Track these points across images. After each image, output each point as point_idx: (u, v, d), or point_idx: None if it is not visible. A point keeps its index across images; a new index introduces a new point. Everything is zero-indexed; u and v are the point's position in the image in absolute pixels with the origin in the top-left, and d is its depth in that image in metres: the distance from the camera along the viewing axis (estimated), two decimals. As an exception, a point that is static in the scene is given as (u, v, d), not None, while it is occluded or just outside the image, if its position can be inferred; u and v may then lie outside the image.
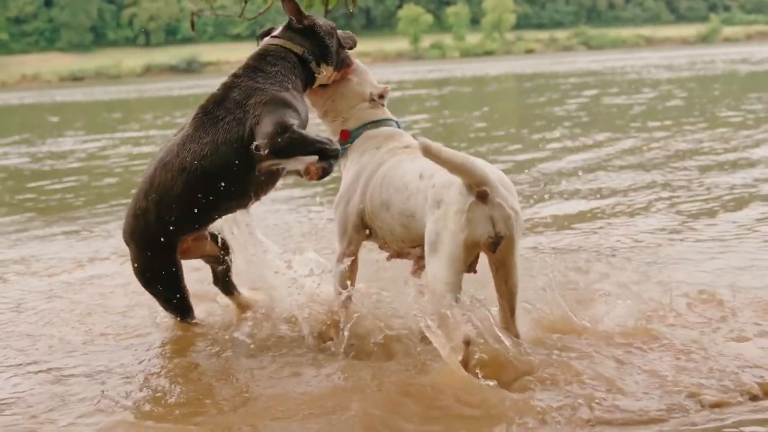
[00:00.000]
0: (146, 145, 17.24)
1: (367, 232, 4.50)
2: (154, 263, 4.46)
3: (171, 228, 4.33)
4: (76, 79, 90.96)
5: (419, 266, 4.53)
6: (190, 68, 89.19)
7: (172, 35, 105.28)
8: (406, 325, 4.33)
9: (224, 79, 4.45)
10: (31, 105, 45.00)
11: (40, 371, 4.39)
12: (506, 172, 4.14)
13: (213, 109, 4.30)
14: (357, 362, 4.18)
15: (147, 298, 4.85)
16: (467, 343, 3.77)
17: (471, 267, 4.02)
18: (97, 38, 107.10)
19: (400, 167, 4.29)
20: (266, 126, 4.10)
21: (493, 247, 3.84)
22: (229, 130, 4.21)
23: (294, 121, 4.15)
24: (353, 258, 4.50)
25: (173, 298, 4.59)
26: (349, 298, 4.49)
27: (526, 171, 10.31)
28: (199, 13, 6.94)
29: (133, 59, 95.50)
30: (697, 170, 9.78)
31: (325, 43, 4.52)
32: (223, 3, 7.67)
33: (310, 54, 4.48)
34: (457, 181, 3.85)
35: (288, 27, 4.56)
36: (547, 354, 4.05)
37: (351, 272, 4.51)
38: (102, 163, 14.59)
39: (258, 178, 4.31)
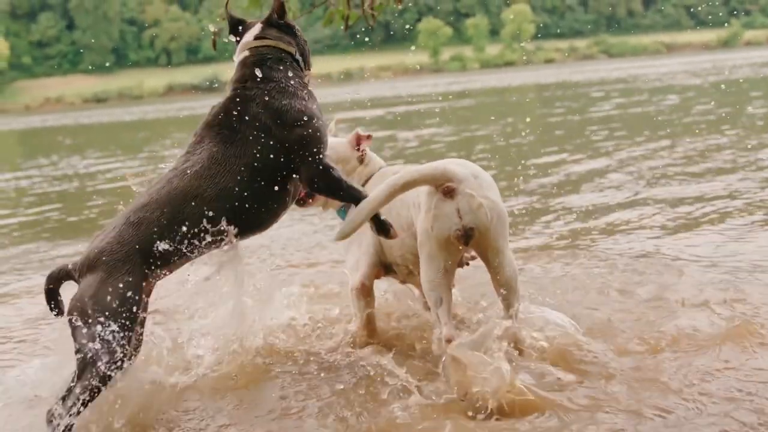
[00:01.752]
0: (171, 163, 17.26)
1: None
2: (128, 291, 3.72)
3: (174, 248, 3.85)
4: (99, 100, 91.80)
5: None
6: (211, 87, 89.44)
7: (193, 55, 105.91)
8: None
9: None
10: (55, 128, 45.34)
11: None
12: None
13: (237, 126, 3.96)
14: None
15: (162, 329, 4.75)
16: (449, 341, 3.89)
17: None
18: (119, 60, 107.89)
19: None
20: (307, 166, 3.95)
21: (465, 239, 3.92)
22: (262, 154, 3.91)
23: (330, 162, 4.02)
24: (369, 288, 4.71)
25: (126, 336, 3.71)
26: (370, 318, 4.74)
27: (542, 180, 10.27)
28: (220, 32, 6.95)
29: (155, 79, 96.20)
30: (727, 175, 9.70)
31: (303, 48, 4.33)
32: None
33: (299, 54, 4.28)
34: None
35: (270, 23, 4.27)
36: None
37: (368, 301, 4.72)
38: (127, 183, 14.58)
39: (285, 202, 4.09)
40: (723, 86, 28.46)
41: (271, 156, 3.94)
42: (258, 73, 4.09)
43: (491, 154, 14.10)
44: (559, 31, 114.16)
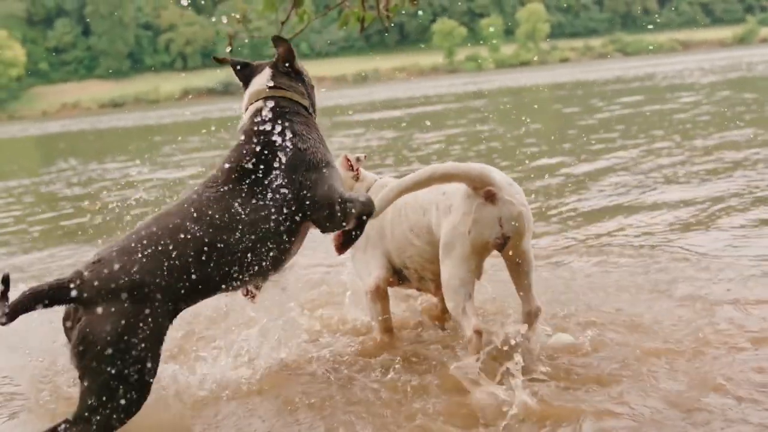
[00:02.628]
0: (189, 167, 17.33)
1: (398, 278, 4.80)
2: (155, 327, 3.48)
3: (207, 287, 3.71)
4: (116, 105, 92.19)
5: None
6: (227, 90, 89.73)
7: (208, 58, 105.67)
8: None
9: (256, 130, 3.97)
10: (72, 133, 45.51)
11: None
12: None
13: (263, 179, 3.83)
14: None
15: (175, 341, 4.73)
16: (479, 333, 3.97)
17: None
18: (135, 64, 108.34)
19: None
20: (325, 203, 3.86)
21: (500, 247, 4.04)
22: (283, 204, 3.80)
23: (344, 191, 3.96)
24: (384, 291, 4.73)
25: (149, 377, 3.49)
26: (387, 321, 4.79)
27: (550, 180, 10.25)
28: (235, 35, 6.98)
29: (170, 84, 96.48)
30: (745, 171, 9.65)
31: (312, 97, 4.25)
32: (258, 25, 7.71)
33: (311, 105, 4.19)
34: (464, 186, 4.08)
35: (279, 69, 4.16)
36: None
37: (384, 304, 4.75)
38: (145, 187, 14.65)
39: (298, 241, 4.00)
40: (740, 83, 28.30)
41: (292, 204, 3.84)
42: (279, 126, 3.94)
43: (506, 154, 14.08)
44: (574, 30, 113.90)
